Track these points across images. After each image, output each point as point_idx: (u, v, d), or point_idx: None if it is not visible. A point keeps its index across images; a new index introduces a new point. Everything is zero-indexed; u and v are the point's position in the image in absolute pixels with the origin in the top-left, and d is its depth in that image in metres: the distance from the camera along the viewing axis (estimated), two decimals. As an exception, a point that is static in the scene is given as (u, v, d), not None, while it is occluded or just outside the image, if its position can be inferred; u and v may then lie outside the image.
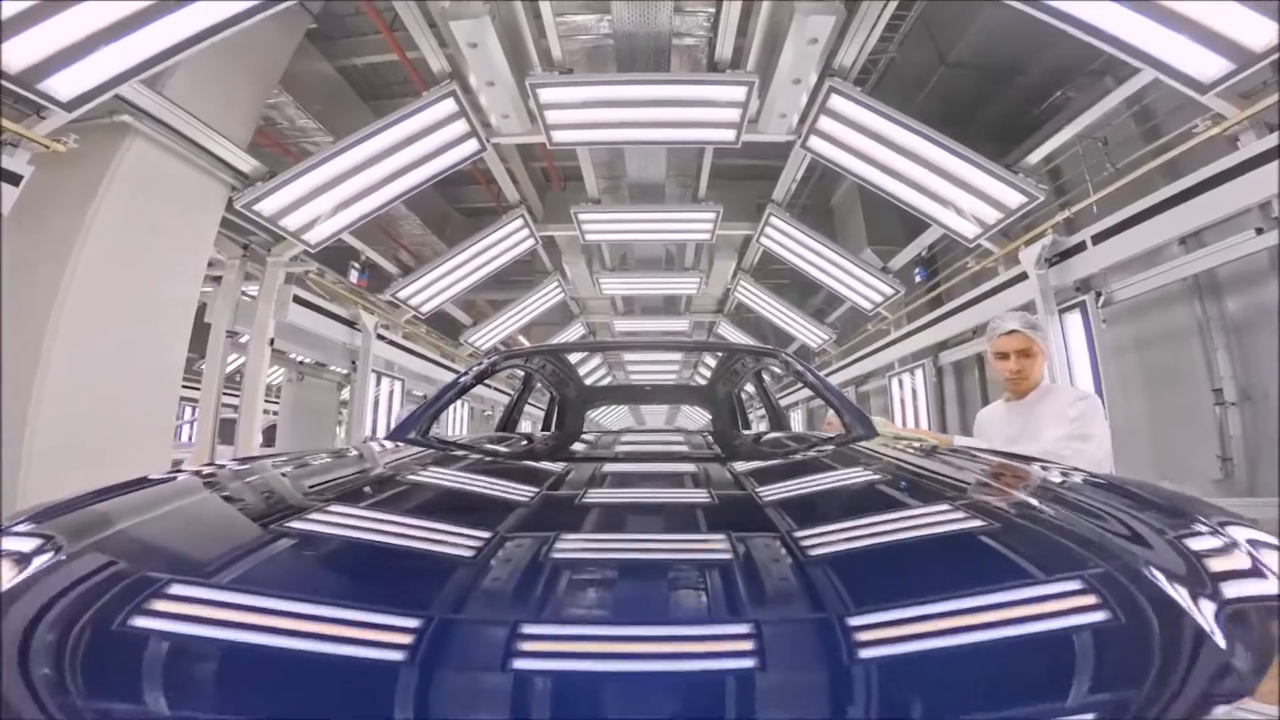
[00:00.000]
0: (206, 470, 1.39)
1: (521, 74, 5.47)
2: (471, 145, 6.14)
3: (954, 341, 7.78)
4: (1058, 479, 1.25)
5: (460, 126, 5.89)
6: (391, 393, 8.32)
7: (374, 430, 7.80)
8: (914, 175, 5.92)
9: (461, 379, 2.85)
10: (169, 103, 4.56)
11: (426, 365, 9.77)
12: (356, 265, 7.01)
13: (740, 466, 1.59)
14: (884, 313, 8.85)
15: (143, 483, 1.19)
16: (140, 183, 4.55)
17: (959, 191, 5.79)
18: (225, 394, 6.08)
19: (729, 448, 2.27)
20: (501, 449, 2.15)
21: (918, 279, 7.72)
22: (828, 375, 11.64)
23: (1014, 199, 5.56)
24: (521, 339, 15.00)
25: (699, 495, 1.30)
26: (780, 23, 5.03)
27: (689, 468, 1.65)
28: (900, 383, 8.56)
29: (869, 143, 5.82)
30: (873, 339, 10.16)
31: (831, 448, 1.89)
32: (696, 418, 7.02)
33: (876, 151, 5.89)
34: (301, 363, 7.60)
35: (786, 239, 8.34)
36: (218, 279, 6.29)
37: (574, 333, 13.63)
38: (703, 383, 6.29)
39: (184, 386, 6.16)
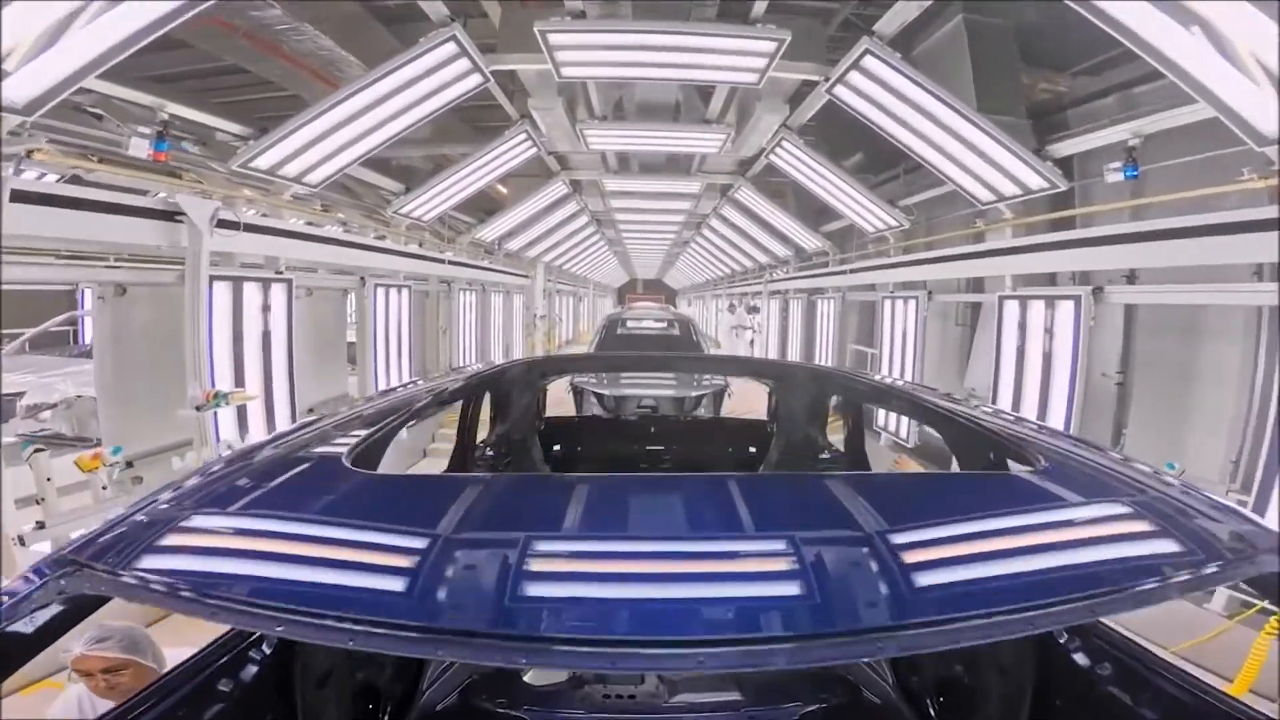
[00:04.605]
0: None
1: None
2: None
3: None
4: None
5: None
6: (267, 306, 5.51)
7: (240, 378, 5.18)
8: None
9: None
10: None
11: (339, 251, 6.92)
12: (145, 131, 3.97)
13: None
14: (1004, 210, 5.99)
15: None
16: None
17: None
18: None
19: None
20: None
21: (1117, 176, 4.75)
22: (882, 271, 8.92)
23: None
24: (502, 186, 11.80)
25: None
26: None
27: None
28: (1023, 313, 5.83)
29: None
30: (951, 242, 7.41)
31: None
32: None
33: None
34: (115, 265, 4.83)
35: (879, 90, 5.25)
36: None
37: (554, 192, 10.53)
38: None
39: None
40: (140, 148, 4.00)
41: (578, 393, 7.97)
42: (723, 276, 23.08)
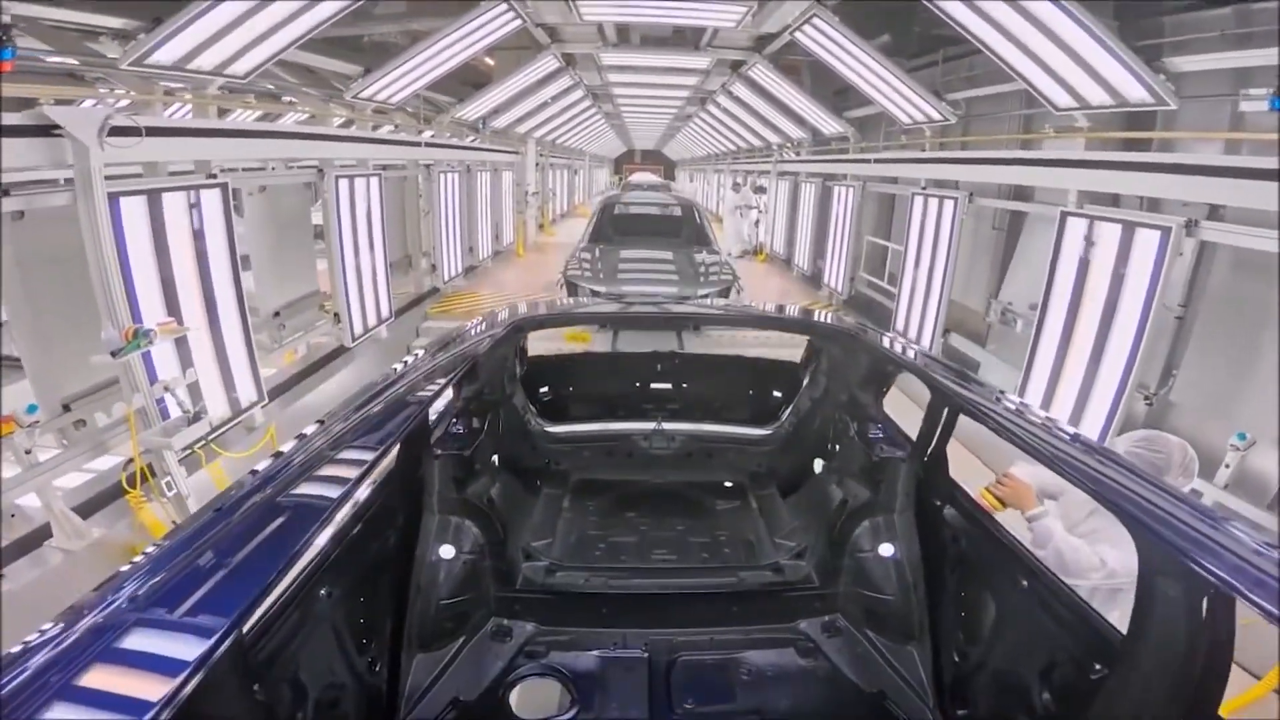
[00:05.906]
0: None
1: None
2: None
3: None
4: None
5: None
6: (199, 218, 4.58)
7: (173, 307, 4.43)
8: None
9: None
10: None
11: (289, 144, 5.91)
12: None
13: None
14: (1079, 118, 4.99)
15: None
16: None
17: None
18: None
19: None
20: None
21: (1259, 105, 3.66)
22: (917, 165, 7.90)
23: None
24: (490, 59, 10.26)
25: None
26: None
27: None
28: (1090, 234, 4.96)
29: None
30: (1003, 144, 6.42)
31: None
32: None
33: None
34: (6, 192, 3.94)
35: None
36: None
37: (544, 66, 9.17)
38: None
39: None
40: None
41: (571, 288, 7.41)
42: (727, 152, 21.45)
